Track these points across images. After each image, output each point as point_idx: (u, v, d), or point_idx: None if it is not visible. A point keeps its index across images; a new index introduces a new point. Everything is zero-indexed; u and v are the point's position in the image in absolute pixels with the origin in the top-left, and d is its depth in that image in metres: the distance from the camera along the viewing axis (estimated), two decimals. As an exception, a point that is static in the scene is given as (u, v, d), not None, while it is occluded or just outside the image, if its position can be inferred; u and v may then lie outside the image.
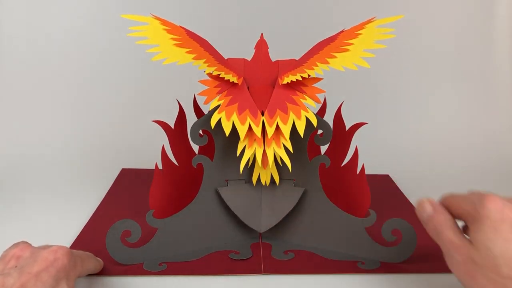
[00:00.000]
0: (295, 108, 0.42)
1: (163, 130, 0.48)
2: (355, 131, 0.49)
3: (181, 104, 0.49)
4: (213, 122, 0.41)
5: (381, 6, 0.80)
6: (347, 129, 0.49)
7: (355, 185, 0.49)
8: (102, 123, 0.79)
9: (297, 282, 0.41)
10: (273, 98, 0.43)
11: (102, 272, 0.41)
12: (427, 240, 0.38)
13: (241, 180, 0.46)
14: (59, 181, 0.64)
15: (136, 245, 0.42)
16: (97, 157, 0.73)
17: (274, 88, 0.44)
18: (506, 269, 0.30)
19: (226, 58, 0.46)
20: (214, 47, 0.46)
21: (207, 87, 0.42)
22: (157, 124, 0.48)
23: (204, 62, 0.41)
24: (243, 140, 0.42)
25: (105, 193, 0.59)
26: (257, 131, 0.41)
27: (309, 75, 0.42)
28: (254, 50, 0.47)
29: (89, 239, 0.47)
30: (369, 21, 0.45)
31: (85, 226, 0.50)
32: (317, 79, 0.43)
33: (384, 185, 0.65)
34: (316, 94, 0.43)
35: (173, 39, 0.43)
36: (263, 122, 0.42)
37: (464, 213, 0.34)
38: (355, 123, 0.49)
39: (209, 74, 0.43)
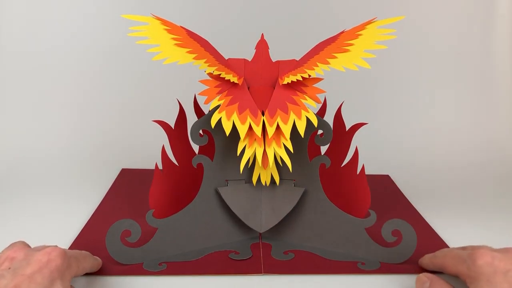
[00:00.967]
0: (295, 108, 0.42)
1: (163, 130, 0.48)
2: (355, 131, 0.49)
3: (181, 104, 0.49)
4: (213, 122, 0.41)
5: (381, 7, 0.80)
6: (347, 129, 0.49)
7: (355, 185, 0.49)
8: (102, 123, 0.79)
9: (297, 282, 0.41)
10: (273, 98, 0.43)
11: (102, 272, 0.41)
12: (427, 241, 0.38)
13: (241, 180, 0.46)
14: (59, 181, 0.64)
15: (136, 244, 0.42)
16: (97, 157, 0.73)
17: (274, 88, 0.44)
18: None
19: (226, 59, 0.46)
20: (215, 47, 0.46)
21: (207, 87, 0.42)
22: (157, 124, 0.48)
23: (205, 62, 0.41)
24: (243, 140, 0.42)
25: (105, 193, 0.59)
26: (258, 130, 0.41)
27: (309, 75, 0.42)
28: (254, 51, 0.47)
29: (89, 238, 0.47)
30: (370, 22, 0.45)
31: (85, 226, 0.50)
32: (318, 79, 0.43)
33: (384, 185, 0.65)
34: (317, 94, 0.43)
35: (174, 39, 0.43)
36: (263, 122, 0.42)
37: (460, 273, 0.37)
38: (355, 123, 0.49)
39: (210, 74, 0.43)
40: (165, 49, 0.41)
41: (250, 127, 0.41)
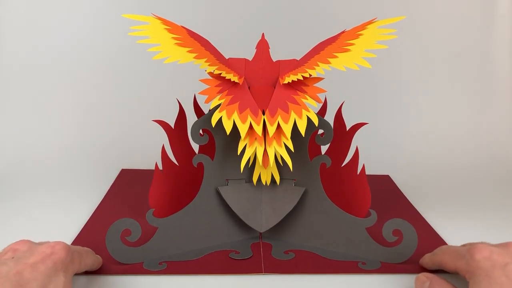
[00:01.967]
0: (296, 107, 0.42)
1: (163, 130, 0.48)
2: (356, 131, 0.49)
3: (181, 104, 0.49)
4: (213, 121, 0.41)
5: (382, 7, 0.80)
6: (347, 129, 0.49)
7: (355, 185, 0.49)
8: (102, 123, 0.79)
9: (297, 282, 0.41)
10: (274, 98, 0.43)
11: (102, 271, 0.41)
12: (428, 241, 0.38)
13: (242, 179, 0.46)
14: (59, 181, 0.64)
15: (136, 244, 0.42)
16: (97, 157, 0.73)
17: (275, 88, 0.44)
18: None
19: (227, 58, 0.46)
20: (215, 47, 0.46)
21: (207, 86, 0.42)
22: (157, 124, 0.48)
23: (205, 62, 0.41)
24: (244, 139, 0.42)
25: (105, 193, 0.59)
26: (258, 129, 0.41)
27: (310, 75, 0.42)
28: (255, 50, 0.47)
29: (89, 238, 0.47)
30: (370, 22, 0.45)
31: (85, 226, 0.50)
32: (318, 79, 0.43)
33: (384, 185, 0.65)
34: (317, 94, 0.43)
35: (174, 38, 0.43)
36: (264, 121, 0.42)
37: (458, 269, 0.37)
38: (355, 123, 0.49)
39: (210, 73, 0.43)
40: (166, 48, 0.41)
41: (251, 127, 0.41)
